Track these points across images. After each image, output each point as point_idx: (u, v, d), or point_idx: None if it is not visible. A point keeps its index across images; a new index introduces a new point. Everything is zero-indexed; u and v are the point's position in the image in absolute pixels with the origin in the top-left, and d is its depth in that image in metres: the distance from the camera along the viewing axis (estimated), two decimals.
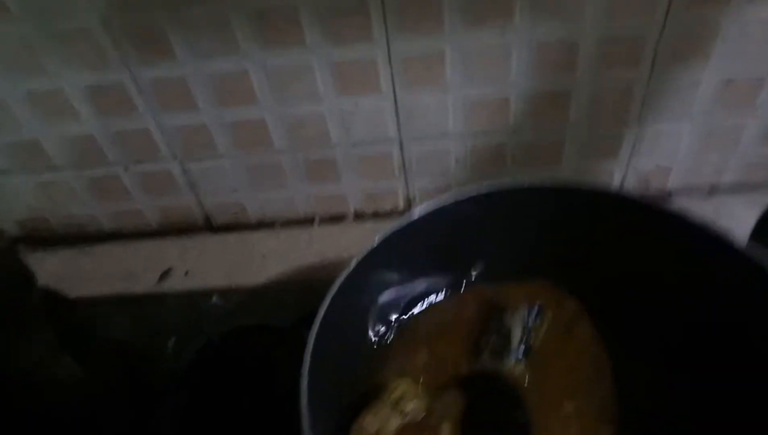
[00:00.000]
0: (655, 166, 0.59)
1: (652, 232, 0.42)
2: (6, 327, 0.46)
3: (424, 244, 0.44)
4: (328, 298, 0.37)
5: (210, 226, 0.65)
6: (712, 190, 0.62)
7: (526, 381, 0.43)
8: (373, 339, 0.46)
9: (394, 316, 0.47)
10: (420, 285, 0.48)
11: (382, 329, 0.47)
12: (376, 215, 0.64)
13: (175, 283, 0.61)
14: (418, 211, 0.42)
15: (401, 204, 0.63)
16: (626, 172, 0.60)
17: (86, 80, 0.51)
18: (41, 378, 0.46)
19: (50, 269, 0.63)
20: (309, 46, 0.49)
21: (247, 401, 0.49)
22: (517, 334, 0.44)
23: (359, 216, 0.64)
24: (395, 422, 0.40)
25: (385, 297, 0.46)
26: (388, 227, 0.41)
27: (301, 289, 0.59)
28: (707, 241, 0.38)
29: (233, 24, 0.47)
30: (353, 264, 0.39)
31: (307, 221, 0.64)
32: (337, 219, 0.64)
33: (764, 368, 0.37)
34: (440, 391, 0.43)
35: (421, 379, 0.44)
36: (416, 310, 0.48)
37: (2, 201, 0.62)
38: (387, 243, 0.41)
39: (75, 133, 0.55)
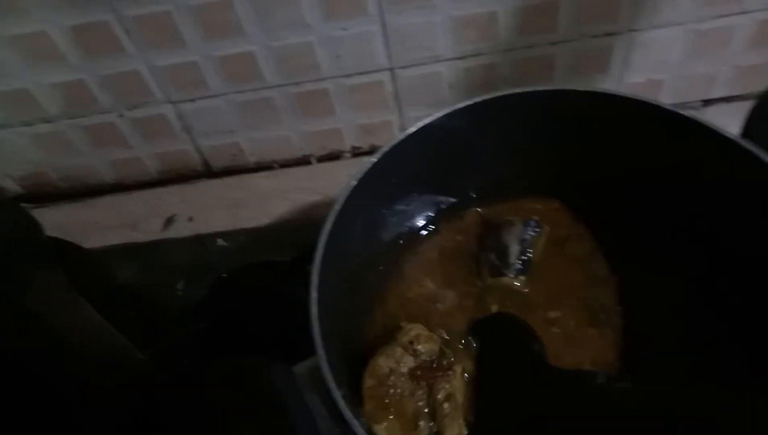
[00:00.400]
0: (646, 80, 0.59)
1: (646, 130, 0.42)
2: (18, 274, 0.47)
3: (419, 165, 0.44)
4: (329, 222, 0.37)
5: (209, 171, 0.65)
6: (705, 104, 0.62)
7: (527, 293, 0.44)
8: (377, 268, 0.46)
9: (396, 243, 0.47)
10: (418, 209, 0.48)
11: (384, 259, 0.47)
12: (373, 150, 0.64)
13: (180, 229, 0.62)
14: (409, 130, 0.42)
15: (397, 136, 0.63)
16: (618, 89, 0.60)
17: (69, 20, 0.50)
18: (59, 321, 0.47)
19: (54, 224, 0.64)
20: None
21: (257, 328, 0.51)
22: (514, 249, 0.45)
23: (356, 152, 0.64)
24: (408, 362, 0.40)
25: (384, 223, 0.47)
26: (380, 150, 0.41)
27: (303, 226, 0.60)
28: (701, 135, 0.39)
29: None
30: (349, 189, 0.39)
31: (304, 161, 0.64)
32: (334, 156, 0.64)
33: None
34: (452, 331, 0.42)
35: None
36: (417, 236, 0.48)
37: (1, 157, 0.62)
38: (381, 166, 0.41)
39: (64, 79, 0.55)
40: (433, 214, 0.48)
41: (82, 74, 0.55)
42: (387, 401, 0.36)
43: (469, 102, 0.43)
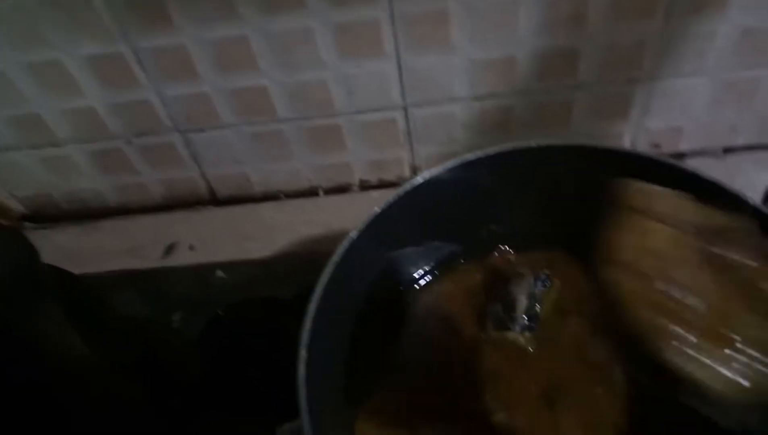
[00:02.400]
0: (666, 127, 0.57)
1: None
2: (13, 302, 0.46)
3: (428, 212, 0.43)
4: (327, 271, 0.36)
5: (215, 199, 0.64)
6: (726, 152, 0.60)
7: (531, 352, 0.42)
8: (378, 312, 0.45)
9: (401, 287, 0.46)
10: (426, 255, 0.46)
11: (389, 302, 0.45)
12: (382, 185, 0.63)
13: (181, 258, 0.61)
14: (420, 177, 0.40)
15: (407, 172, 0.62)
16: (636, 134, 0.58)
17: (86, 51, 0.50)
18: (50, 352, 0.46)
19: (56, 246, 0.63)
20: (309, 8, 0.47)
21: (255, 373, 0.49)
22: (522, 302, 0.43)
23: (365, 185, 0.63)
24: None
25: (390, 268, 0.45)
26: (390, 195, 0.40)
27: (308, 261, 0.57)
28: (722, 199, 0.37)
29: None
30: (353, 235, 0.38)
31: (312, 192, 0.63)
32: (342, 189, 0.63)
33: None
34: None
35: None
36: (423, 281, 0.47)
37: (8, 178, 0.62)
38: (389, 212, 0.40)
39: (76, 105, 0.54)
40: (438, 263, 0.47)
41: (93, 102, 0.54)
42: None
43: (480, 154, 0.42)
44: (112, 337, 0.51)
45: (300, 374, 0.33)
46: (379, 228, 0.39)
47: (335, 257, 0.37)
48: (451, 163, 0.40)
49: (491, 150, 0.40)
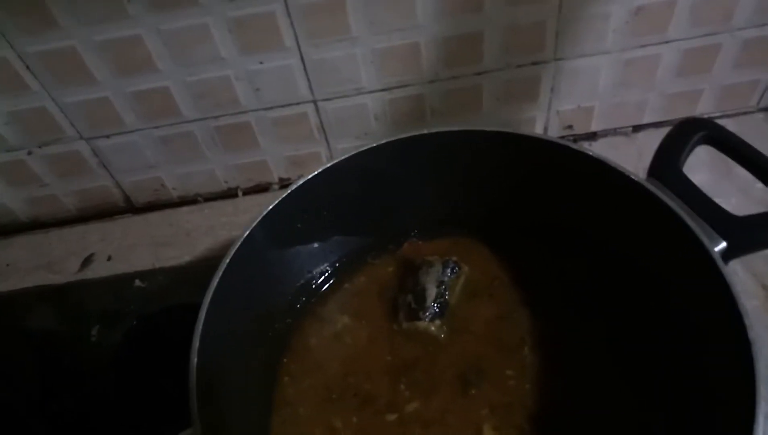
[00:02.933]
0: (576, 107, 0.58)
1: (562, 173, 0.41)
2: None
3: (330, 206, 0.43)
4: (219, 272, 0.35)
5: (131, 207, 0.62)
6: (635, 130, 0.61)
7: (442, 339, 0.42)
8: (290, 308, 0.44)
9: (310, 282, 0.45)
10: (329, 251, 0.46)
11: (300, 298, 0.45)
12: None
13: (98, 269, 0.58)
14: (315, 171, 0.40)
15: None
16: (548, 117, 0.59)
17: None
18: None
19: None
20: (202, 5, 0.46)
21: (173, 379, 0.48)
22: (431, 291, 0.43)
23: (285, 184, 0.62)
24: None
25: (298, 262, 0.44)
26: (279, 196, 0.39)
27: None
28: (606, 175, 0.38)
29: None
30: (245, 233, 0.37)
31: (230, 193, 0.62)
32: (262, 188, 0.62)
33: (665, 299, 0.37)
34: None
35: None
36: (333, 274, 0.46)
37: None
38: (285, 208, 0.39)
39: None
40: (347, 255, 0.46)
41: None
42: None
43: (386, 141, 0.41)
44: (19, 356, 0.50)
45: (191, 381, 0.32)
46: (275, 225, 0.39)
47: (226, 258, 0.36)
48: (346, 155, 0.40)
49: (385, 139, 0.40)
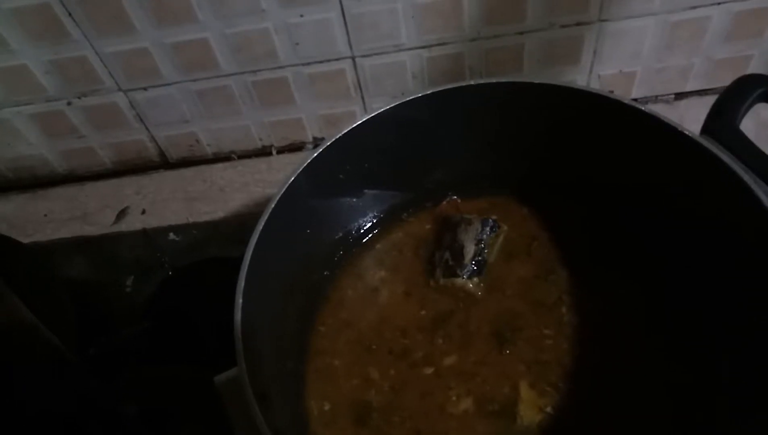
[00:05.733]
0: (618, 71, 0.57)
1: (609, 129, 0.40)
2: None
3: (371, 158, 0.42)
4: (265, 216, 0.35)
5: (166, 162, 0.63)
6: (678, 98, 0.60)
7: (479, 296, 0.42)
8: (327, 260, 0.44)
9: (348, 236, 0.45)
10: (369, 204, 0.46)
11: (338, 251, 0.45)
12: None
13: (133, 223, 0.59)
14: (360, 119, 0.39)
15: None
16: (589, 81, 0.58)
17: (9, 2, 0.48)
18: None
19: (2, 216, 0.61)
20: None
21: (203, 330, 0.49)
22: (469, 249, 0.43)
23: (319, 143, 0.62)
24: None
25: (330, 220, 0.44)
26: (323, 143, 0.38)
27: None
28: (661, 133, 0.37)
29: None
30: (285, 185, 0.37)
31: (264, 152, 0.62)
32: (295, 147, 0.62)
33: (713, 259, 0.36)
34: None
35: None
36: (371, 232, 0.46)
37: None
38: (329, 156, 0.39)
39: (6, 63, 0.52)
40: (385, 211, 0.46)
41: (24, 59, 0.52)
42: None
43: (427, 92, 0.41)
44: (57, 303, 0.50)
45: (236, 321, 0.32)
46: (318, 173, 0.38)
47: (272, 202, 0.36)
48: (391, 104, 0.39)
49: (431, 90, 0.40)
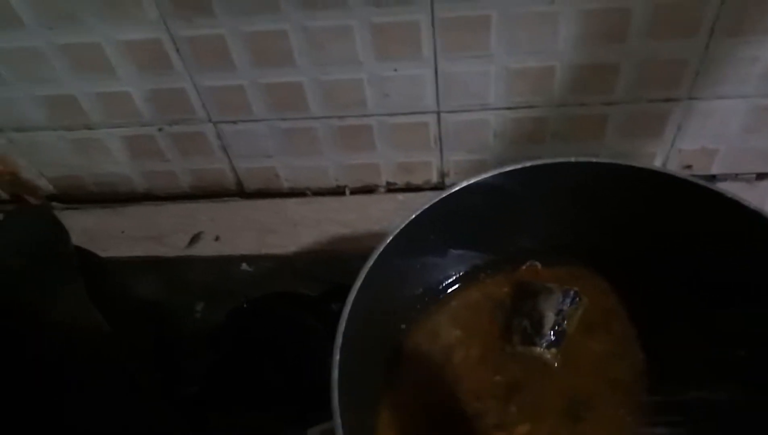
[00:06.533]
0: (700, 148, 0.57)
1: (691, 210, 0.40)
2: (42, 283, 0.46)
3: (459, 220, 0.43)
4: (362, 274, 0.36)
5: (242, 192, 0.65)
6: (759, 178, 0.59)
7: (555, 368, 0.42)
8: (405, 315, 0.45)
9: (426, 293, 0.46)
10: (452, 264, 0.46)
11: (416, 306, 0.45)
12: (408, 188, 0.63)
13: (205, 248, 0.61)
14: (456, 186, 0.40)
15: (434, 177, 0.62)
16: (669, 154, 0.58)
17: (125, 36, 0.50)
18: (70, 329, 0.46)
19: (82, 228, 0.63)
20: (350, 7, 0.47)
21: (273, 368, 0.49)
22: (549, 318, 0.43)
23: (391, 188, 0.63)
24: None
25: (414, 278, 0.45)
26: (423, 202, 0.39)
27: (330, 259, 0.58)
28: (754, 224, 0.37)
29: None
30: (384, 244, 0.37)
31: (338, 191, 0.63)
32: (368, 190, 0.63)
33: None
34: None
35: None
36: (449, 290, 0.46)
37: (39, 157, 0.62)
38: (423, 217, 0.40)
39: (112, 90, 0.55)
40: (467, 271, 0.47)
41: (128, 87, 0.54)
42: None
43: (526, 165, 0.41)
44: (133, 321, 0.52)
45: (333, 377, 0.32)
46: (411, 233, 0.39)
47: (369, 262, 0.36)
48: (491, 172, 0.40)
49: (532, 162, 0.40)
